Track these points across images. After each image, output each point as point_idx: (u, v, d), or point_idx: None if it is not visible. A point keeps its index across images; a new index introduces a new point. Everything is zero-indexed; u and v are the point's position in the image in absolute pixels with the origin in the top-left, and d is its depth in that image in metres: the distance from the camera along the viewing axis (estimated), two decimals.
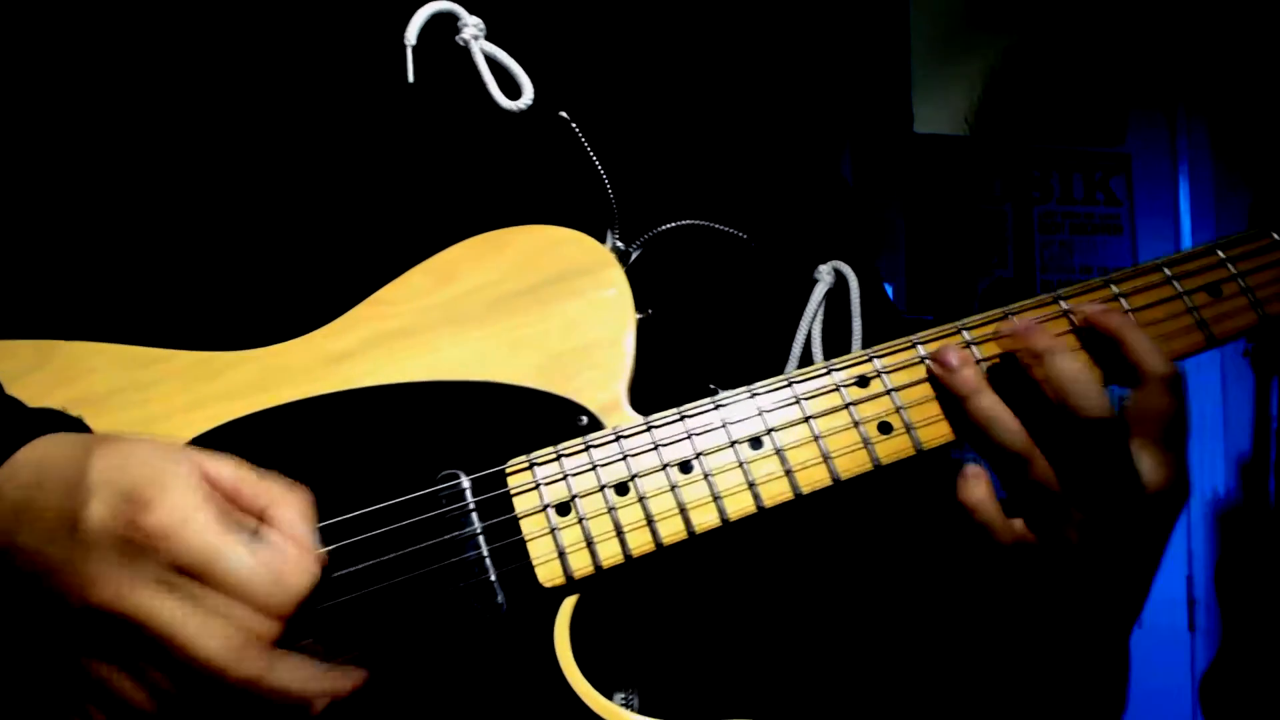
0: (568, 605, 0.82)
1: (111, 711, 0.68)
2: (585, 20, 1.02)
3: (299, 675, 0.69)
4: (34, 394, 0.82)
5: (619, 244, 1.00)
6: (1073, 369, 0.83)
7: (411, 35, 0.95)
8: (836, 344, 1.05)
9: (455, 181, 0.95)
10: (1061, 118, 3.55)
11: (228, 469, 0.72)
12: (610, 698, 0.84)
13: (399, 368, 0.87)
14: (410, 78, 0.94)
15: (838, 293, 1.07)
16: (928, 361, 0.87)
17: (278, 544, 0.70)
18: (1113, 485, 0.82)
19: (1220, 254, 0.94)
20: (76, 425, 0.79)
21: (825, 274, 1.07)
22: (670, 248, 1.03)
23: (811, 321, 1.05)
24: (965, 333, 0.90)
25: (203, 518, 0.68)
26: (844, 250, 1.11)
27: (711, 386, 0.98)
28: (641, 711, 0.82)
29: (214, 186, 0.91)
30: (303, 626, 0.73)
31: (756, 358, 1.04)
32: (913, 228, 3.38)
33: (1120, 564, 0.85)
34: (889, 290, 1.26)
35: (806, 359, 1.04)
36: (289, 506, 0.72)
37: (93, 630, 0.67)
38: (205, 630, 0.67)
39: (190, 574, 0.67)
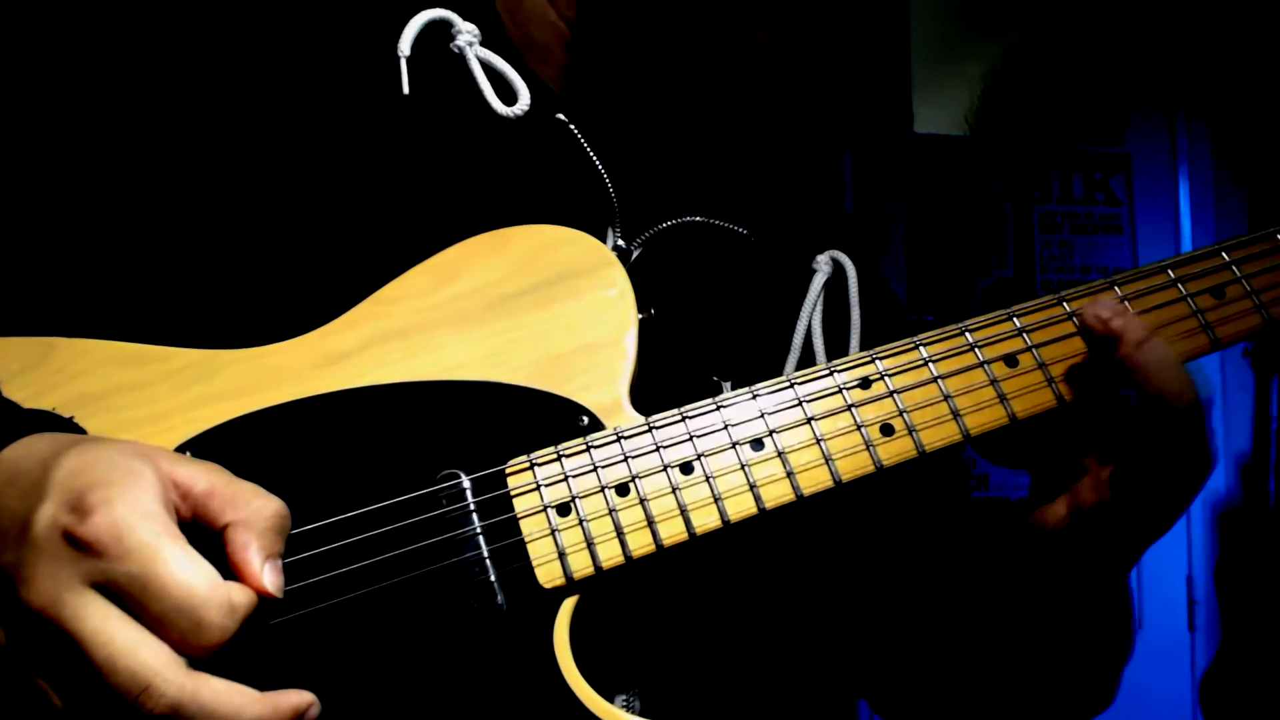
0: (568, 606, 0.82)
1: None
2: (583, 25, 1.02)
3: (228, 705, 0.64)
4: (31, 392, 0.81)
5: (620, 243, 1.00)
6: (1165, 357, 0.86)
7: (405, 46, 0.95)
8: (837, 333, 1.06)
9: (454, 187, 0.95)
10: (1061, 118, 3.55)
11: (203, 477, 0.69)
12: (610, 700, 0.83)
13: (398, 367, 0.87)
14: (405, 88, 0.94)
15: (836, 282, 1.08)
16: (1090, 318, 0.88)
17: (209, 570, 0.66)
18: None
19: (1225, 256, 0.93)
20: (68, 426, 0.79)
21: (823, 264, 1.08)
22: (670, 244, 1.03)
23: (811, 312, 1.05)
24: (968, 334, 0.90)
25: (148, 528, 0.65)
26: (841, 240, 1.12)
27: (715, 379, 0.98)
28: (641, 714, 0.82)
29: (216, 189, 0.91)
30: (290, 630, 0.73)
31: (758, 350, 1.04)
32: (913, 228, 3.37)
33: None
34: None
35: (808, 349, 1.05)
36: (246, 528, 0.68)
37: (33, 635, 0.65)
38: (127, 651, 0.63)
39: (125, 587, 0.64)
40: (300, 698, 0.67)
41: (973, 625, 1.05)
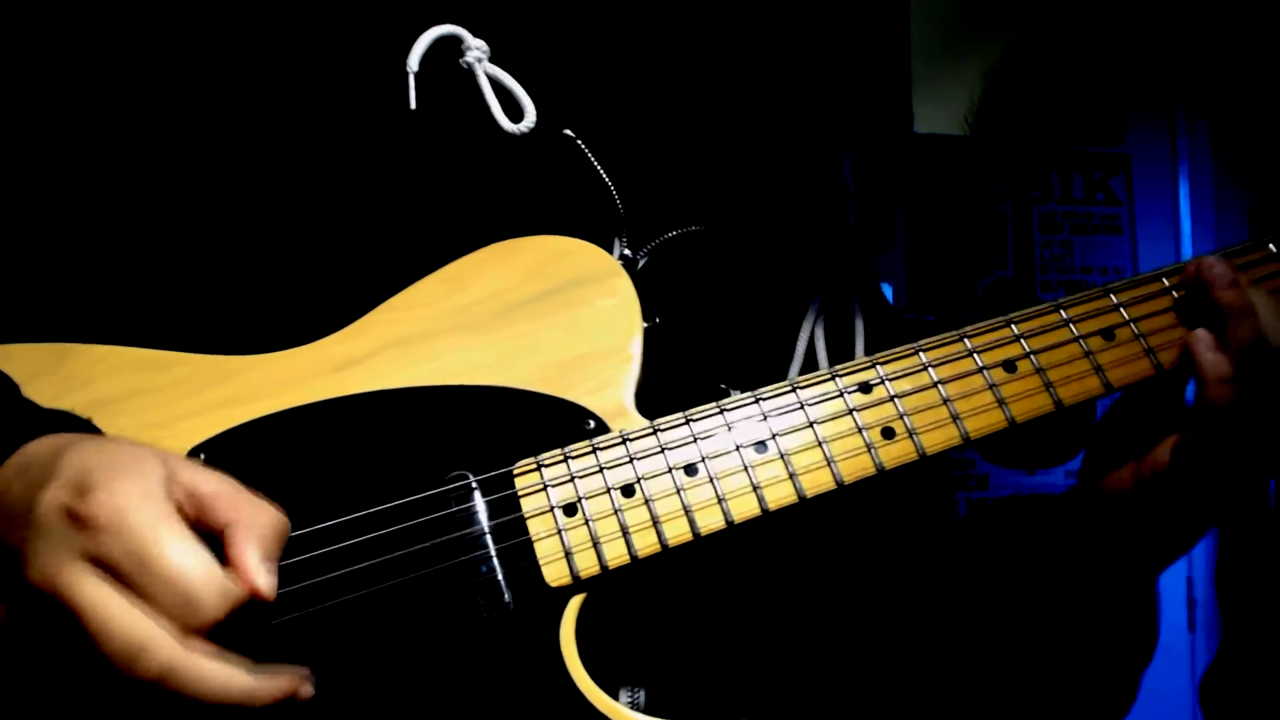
0: (574, 604, 0.83)
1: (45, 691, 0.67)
2: (585, 36, 1.03)
3: (218, 675, 0.65)
4: (48, 397, 0.82)
5: (626, 252, 1.01)
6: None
7: (414, 61, 0.96)
8: (839, 340, 1.07)
9: (462, 202, 0.96)
10: (1061, 118, 3.55)
11: (210, 480, 0.71)
12: (615, 696, 0.84)
13: (409, 372, 0.88)
14: (413, 104, 0.95)
15: (839, 291, 1.09)
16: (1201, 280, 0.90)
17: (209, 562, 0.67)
18: None
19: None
20: (85, 426, 0.80)
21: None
22: (675, 254, 1.04)
23: (814, 322, 1.06)
24: (966, 340, 0.92)
25: (149, 511, 0.67)
26: (844, 248, 1.13)
27: (722, 386, 1.00)
28: (646, 711, 0.83)
29: (229, 199, 0.92)
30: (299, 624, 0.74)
31: (764, 357, 1.05)
32: (913, 228, 3.38)
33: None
34: (888, 291, 1.28)
35: (810, 357, 1.05)
36: (247, 529, 0.70)
37: (33, 610, 0.66)
38: (121, 618, 0.64)
39: (121, 563, 0.66)
40: (292, 679, 0.68)
41: (996, 624, 1.06)
